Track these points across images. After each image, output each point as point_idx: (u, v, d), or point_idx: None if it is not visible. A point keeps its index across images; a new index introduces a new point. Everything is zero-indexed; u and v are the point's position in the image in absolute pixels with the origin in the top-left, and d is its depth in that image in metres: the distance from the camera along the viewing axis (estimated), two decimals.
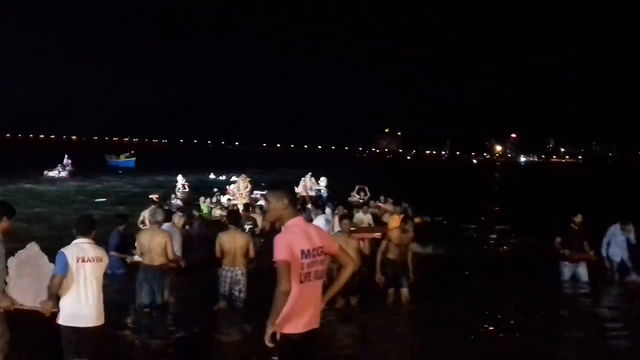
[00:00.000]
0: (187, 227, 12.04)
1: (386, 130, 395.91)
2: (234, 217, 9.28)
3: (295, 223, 4.04)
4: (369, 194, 22.84)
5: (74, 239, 5.34)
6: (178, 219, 10.66)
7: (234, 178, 34.56)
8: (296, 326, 3.87)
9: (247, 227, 12.89)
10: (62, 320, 5.11)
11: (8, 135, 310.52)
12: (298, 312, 3.86)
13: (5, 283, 5.17)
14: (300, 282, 3.87)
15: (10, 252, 5.27)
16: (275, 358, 3.85)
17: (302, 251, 3.89)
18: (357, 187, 24.38)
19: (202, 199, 20.23)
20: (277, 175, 37.11)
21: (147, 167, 47.91)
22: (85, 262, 5.16)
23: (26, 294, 5.20)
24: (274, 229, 4.52)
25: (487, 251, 15.71)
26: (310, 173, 29.46)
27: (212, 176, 38.16)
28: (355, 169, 68.76)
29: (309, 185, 27.72)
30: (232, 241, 8.41)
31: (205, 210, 19.01)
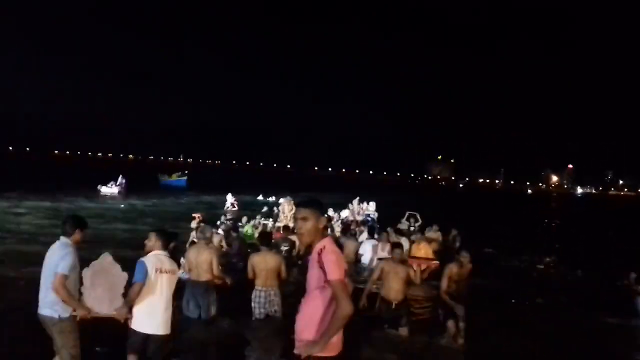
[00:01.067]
0: (225, 247, 11.75)
1: (439, 158, 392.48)
2: (265, 239, 9.38)
3: (332, 242, 3.89)
4: (420, 221, 22.07)
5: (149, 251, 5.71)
6: (217, 239, 10.40)
7: (281, 200, 34.61)
8: (335, 348, 3.72)
9: (283, 248, 12.56)
10: (135, 325, 5.48)
11: (67, 152, 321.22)
12: (340, 333, 3.73)
13: (80, 293, 5.47)
14: None
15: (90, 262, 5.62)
16: None
17: (345, 270, 3.79)
18: (407, 214, 23.60)
19: (244, 219, 20.00)
20: (325, 199, 36.66)
21: (198, 186, 48.41)
22: (162, 272, 5.57)
23: (101, 302, 5.50)
24: (309, 251, 3.96)
25: (547, 286, 14.61)
26: (358, 197, 29.11)
27: (260, 197, 38.15)
28: (405, 196, 67.89)
29: (357, 210, 27.38)
30: (263, 262, 8.44)
31: (249, 231, 18.72)
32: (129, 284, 5.57)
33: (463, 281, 8.45)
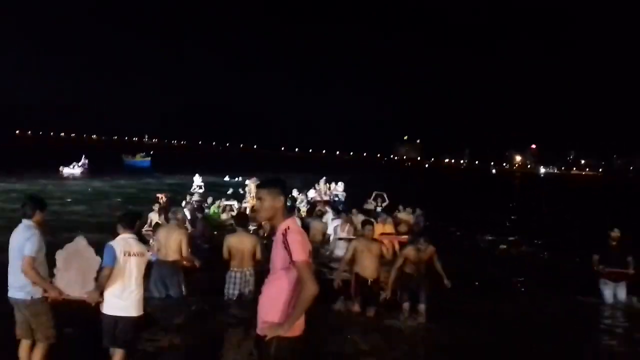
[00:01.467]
0: (190, 228, 11.62)
1: (405, 138, 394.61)
2: (241, 220, 9.37)
3: (294, 222, 3.93)
4: (387, 201, 22.17)
5: (117, 234, 5.72)
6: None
7: (247, 181, 34.47)
8: (296, 329, 3.70)
9: (250, 228, 12.57)
10: (106, 309, 5.48)
11: (29, 132, 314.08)
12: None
13: (53, 274, 5.51)
14: None
15: (58, 246, 5.59)
16: None
17: (309, 251, 3.80)
18: (374, 194, 23.68)
19: (210, 200, 19.86)
20: (293, 180, 36.63)
21: (163, 167, 47.90)
22: (131, 256, 5.54)
23: (73, 284, 5.50)
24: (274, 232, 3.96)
25: (511, 266, 14.58)
26: (324, 178, 29.15)
27: (227, 178, 37.91)
28: (372, 176, 68.16)
29: (324, 190, 27.47)
30: (240, 243, 8.54)
31: (215, 211, 18.62)
32: (101, 268, 5.56)
33: (422, 263, 8.53)
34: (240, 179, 36.62)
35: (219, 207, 19.21)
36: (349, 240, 11.76)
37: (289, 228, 3.80)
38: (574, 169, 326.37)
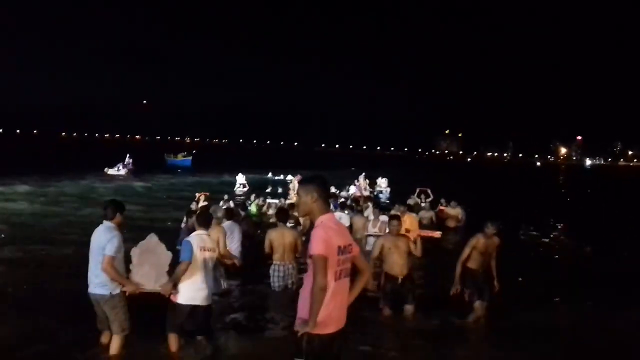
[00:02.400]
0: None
1: (446, 132, 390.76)
2: (282, 215, 9.65)
3: (329, 218, 3.89)
4: (431, 196, 21.82)
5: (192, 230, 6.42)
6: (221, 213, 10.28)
7: (289, 177, 34.63)
8: (329, 326, 3.72)
9: (288, 224, 12.55)
10: (181, 299, 5.95)
11: (75, 134, 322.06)
12: (333, 311, 3.72)
13: (129, 270, 6.03)
14: (335, 279, 3.73)
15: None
16: None
17: (339, 247, 3.76)
18: (417, 190, 23.35)
19: (252, 197, 19.94)
20: (332, 175, 36.62)
21: (204, 166, 48.52)
22: (205, 250, 6.10)
23: (147, 279, 6.05)
24: (313, 226, 3.94)
25: (557, 266, 13.90)
26: (364, 174, 29.04)
27: (269, 175, 38.07)
28: (414, 171, 67.59)
29: (363, 186, 27.43)
30: (281, 238, 8.83)
31: (254, 209, 18.65)
32: (173, 262, 6.15)
33: (489, 255, 7.96)
34: (282, 176, 36.76)
35: (257, 204, 19.24)
36: (379, 236, 11.52)
37: (321, 223, 3.83)
38: (621, 160, 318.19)
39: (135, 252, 6.13)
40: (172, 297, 5.99)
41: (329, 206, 4.05)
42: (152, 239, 6.31)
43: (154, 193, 26.37)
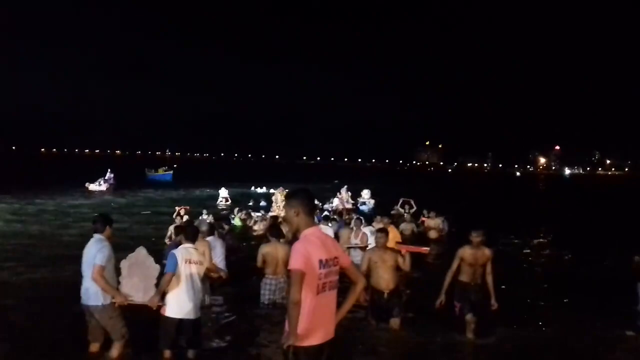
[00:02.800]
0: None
1: (427, 143, 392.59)
2: (275, 230, 9.66)
3: (312, 232, 3.89)
4: (415, 207, 21.96)
5: (179, 244, 6.59)
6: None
7: (272, 190, 34.66)
8: (314, 338, 3.73)
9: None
10: (169, 312, 6.08)
11: (55, 150, 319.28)
12: (316, 324, 3.72)
13: (118, 282, 6.23)
14: (317, 293, 3.74)
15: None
16: None
17: (320, 261, 3.76)
18: (401, 200, 23.48)
19: (236, 210, 20.02)
20: (315, 188, 36.68)
21: (185, 180, 48.44)
22: (191, 263, 6.21)
23: (136, 290, 6.23)
24: (296, 239, 4.03)
25: (537, 274, 14.15)
26: (346, 186, 29.22)
27: (252, 189, 38.02)
28: (396, 182, 67.84)
29: (345, 198, 27.60)
30: (274, 251, 8.88)
31: (238, 223, 18.69)
32: (160, 275, 6.26)
33: (480, 267, 7.64)
34: (264, 189, 36.74)
35: (241, 218, 19.29)
36: (360, 248, 11.57)
37: (304, 237, 3.87)
38: (600, 169, 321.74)
39: (124, 265, 6.32)
40: (161, 311, 6.12)
41: (314, 219, 4.04)
42: (141, 252, 6.49)
43: (134, 209, 26.16)
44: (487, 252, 7.67)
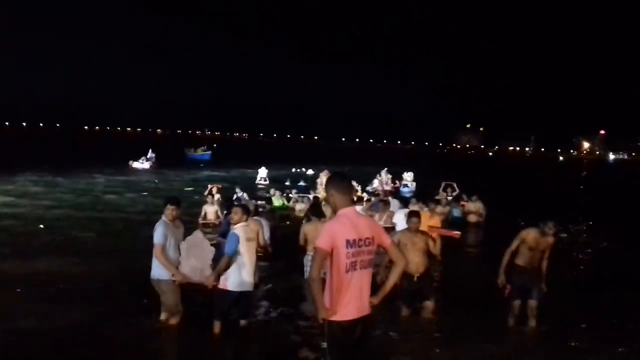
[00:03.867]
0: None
1: (468, 126, 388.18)
2: (315, 209, 10.07)
3: (344, 213, 4.04)
4: (457, 191, 21.66)
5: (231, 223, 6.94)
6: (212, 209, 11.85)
7: (310, 171, 34.81)
8: (344, 314, 3.91)
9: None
10: (231, 286, 6.54)
11: (97, 128, 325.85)
12: (345, 301, 3.91)
13: (179, 262, 6.79)
14: (347, 271, 3.90)
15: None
16: (324, 345, 4.00)
17: (348, 241, 3.90)
18: (443, 184, 23.17)
19: (272, 191, 20.17)
20: (355, 171, 36.58)
21: (224, 160, 48.81)
22: (250, 241, 6.70)
23: (194, 270, 6.78)
24: None
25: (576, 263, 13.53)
26: (386, 169, 29.10)
27: (293, 170, 38.10)
28: (436, 165, 67.24)
29: (385, 180, 27.54)
30: (314, 230, 8.78)
31: (278, 202, 18.86)
32: (216, 257, 6.82)
33: (540, 253, 7.35)
34: (303, 169, 36.88)
35: (285, 198, 19.51)
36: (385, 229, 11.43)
37: (336, 217, 4.07)
38: None
39: (183, 247, 6.85)
40: (221, 285, 6.57)
41: (349, 200, 4.18)
42: (198, 234, 7.05)
43: (174, 186, 26.54)
44: (550, 239, 7.36)
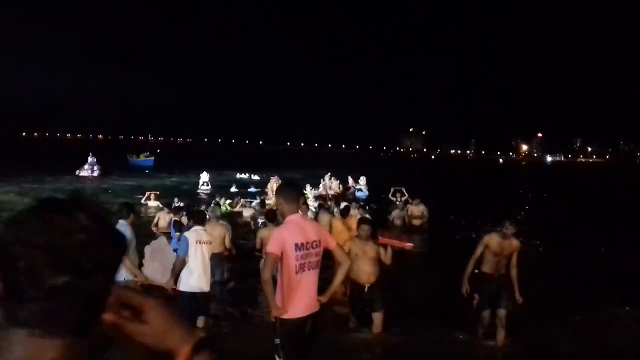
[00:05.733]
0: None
1: (410, 130, 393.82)
2: (272, 215, 10.09)
3: (291, 219, 4.38)
4: (406, 195, 21.87)
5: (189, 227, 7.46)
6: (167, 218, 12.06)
7: (255, 177, 34.69)
8: (295, 312, 4.24)
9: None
10: (183, 287, 6.88)
11: (35, 134, 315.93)
12: (296, 299, 4.23)
13: (141, 264, 7.30)
14: (296, 272, 4.22)
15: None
16: (277, 341, 4.28)
17: (296, 244, 4.23)
18: (392, 189, 23.40)
19: (217, 198, 20.01)
20: (302, 175, 36.56)
21: (167, 165, 47.89)
22: (201, 244, 6.96)
23: (156, 273, 7.51)
24: None
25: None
26: (329, 173, 29.47)
27: (238, 176, 37.66)
28: (383, 169, 67.88)
29: (329, 185, 27.87)
30: (270, 235, 8.91)
31: (225, 208, 18.73)
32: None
33: (505, 258, 7.03)
34: (246, 175, 36.63)
35: (227, 204, 19.39)
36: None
37: (284, 223, 4.45)
38: (581, 156, 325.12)
39: (147, 250, 7.69)
40: (177, 287, 6.97)
41: (295, 207, 4.49)
42: (162, 240, 8.04)
43: (123, 195, 26.01)
44: (514, 242, 7.02)
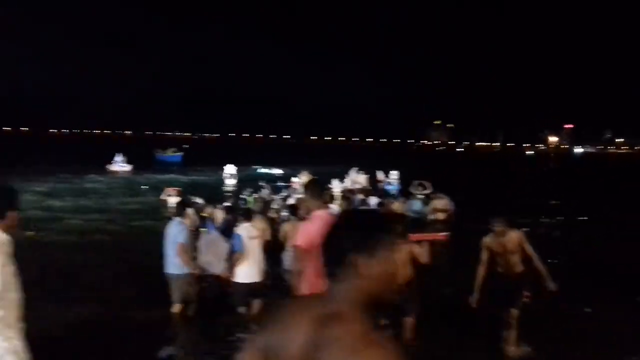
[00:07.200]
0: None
1: (437, 122, 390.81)
2: (294, 209, 10.82)
3: (318, 213, 4.57)
4: (431, 190, 21.75)
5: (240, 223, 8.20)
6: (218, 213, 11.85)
7: (277, 171, 34.73)
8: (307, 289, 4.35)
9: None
10: (240, 279, 7.82)
11: (64, 130, 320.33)
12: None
13: (195, 257, 8.08)
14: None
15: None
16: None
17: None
18: (416, 183, 23.27)
19: (246, 192, 20.22)
20: (327, 169, 36.71)
21: (196, 161, 47.83)
22: (252, 239, 7.89)
23: (210, 264, 8.23)
24: None
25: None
26: (357, 168, 29.33)
27: (262, 170, 37.97)
28: (408, 162, 67.59)
29: (354, 179, 27.75)
30: (293, 229, 9.29)
31: (252, 203, 18.95)
32: (230, 252, 7.92)
33: (511, 254, 6.75)
34: (271, 169, 36.88)
35: (254, 199, 19.55)
36: None
37: (311, 217, 4.60)
38: (610, 147, 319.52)
39: (202, 242, 8.31)
40: (233, 279, 7.81)
41: (321, 203, 4.75)
42: (214, 232, 8.67)
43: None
44: (513, 235, 6.76)
